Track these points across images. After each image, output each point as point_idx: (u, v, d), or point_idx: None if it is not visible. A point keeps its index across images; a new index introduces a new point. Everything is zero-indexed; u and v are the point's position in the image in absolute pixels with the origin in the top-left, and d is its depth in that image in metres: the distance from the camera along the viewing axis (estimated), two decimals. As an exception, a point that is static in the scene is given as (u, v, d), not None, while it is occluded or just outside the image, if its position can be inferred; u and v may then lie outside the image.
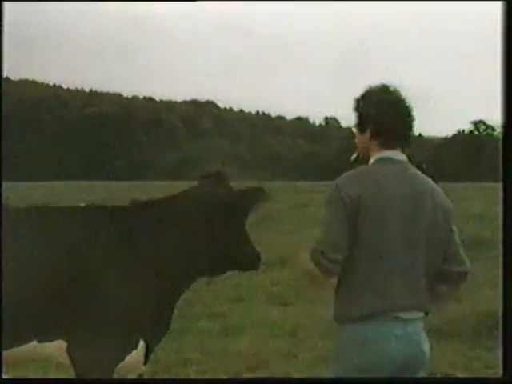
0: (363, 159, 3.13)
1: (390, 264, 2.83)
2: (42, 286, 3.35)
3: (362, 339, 2.82)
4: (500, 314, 3.23)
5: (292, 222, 15.57)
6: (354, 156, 3.22)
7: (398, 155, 3.04)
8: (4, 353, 3.38)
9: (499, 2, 3.38)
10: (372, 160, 3.03)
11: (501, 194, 3.16)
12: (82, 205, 3.81)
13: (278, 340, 6.38)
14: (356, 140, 3.15)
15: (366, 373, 2.80)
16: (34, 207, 3.85)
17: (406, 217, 2.88)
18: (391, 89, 3.07)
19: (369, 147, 3.05)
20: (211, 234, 3.57)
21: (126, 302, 3.41)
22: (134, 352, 3.44)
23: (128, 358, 3.43)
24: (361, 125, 3.07)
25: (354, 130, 3.15)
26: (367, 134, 3.03)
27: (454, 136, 72.26)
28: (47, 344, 3.40)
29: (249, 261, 3.73)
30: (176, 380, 3.68)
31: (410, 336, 2.84)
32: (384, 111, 3.01)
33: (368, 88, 3.10)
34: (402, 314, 2.83)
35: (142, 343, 3.47)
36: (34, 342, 3.39)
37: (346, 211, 2.82)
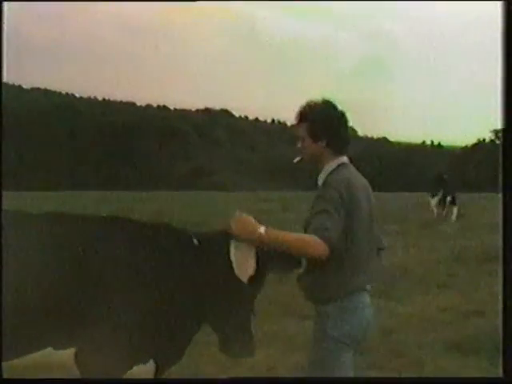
0: (308, 162, 3.68)
1: (364, 249, 3.53)
2: (58, 292, 3.35)
3: (352, 308, 3.53)
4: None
5: (308, 233, 15.40)
6: (297, 159, 3.77)
7: (347, 159, 3.66)
8: (20, 359, 3.40)
9: (499, 2, 3.44)
10: (333, 166, 3.58)
11: (500, 201, 3.44)
12: (104, 215, 3.81)
13: (295, 354, 6.22)
14: (301, 145, 3.62)
15: (353, 337, 3.56)
16: (52, 213, 3.82)
17: (368, 211, 3.57)
18: (334, 103, 3.63)
19: (322, 154, 3.58)
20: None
21: (138, 318, 3.36)
22: (141, 366, 3.42)
23: (135, 369, 3.41)
24: (316, 134, 3.55)
25: (303, 137, 3.59)
26: (323, 143, 3.55)
27: (474, 145, 71.77)
28: (62, 351, 3.39)
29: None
30: (176, 380, 3.64)
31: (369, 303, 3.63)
32: (338, 123, 3.59)
33: (312, 101, 3.62)
34: (367, 287, 3.62)
35: (151, 362, 3.44)
36: (50, 349, 3.38)
37: (341, 205, 3.38)
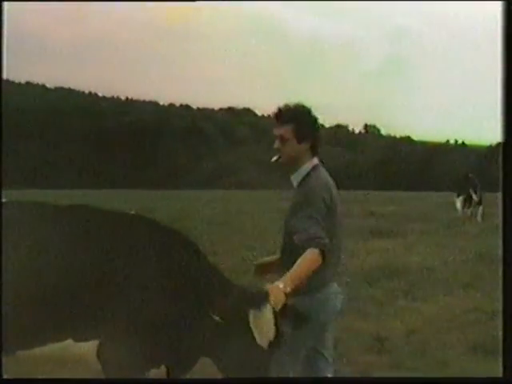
0: (286, 162, 3.77)
1: (338, 244, 3.78)
2: (81, 284, 3.40)
3: (326, 298, 3.76)
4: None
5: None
6: (275, 158, 3.82)
7: (318, 160, 3.84)
8: (40, 348, 3.45)
9: (499, 2, 3.46)
10: (309, 167, 3.74)
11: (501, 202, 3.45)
12: (132, 212, 3.84)
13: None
14: (281, 146, 3.72)
15: (328, 324, 3.85)
16: (79, 206, 3.87)
17: (340, 210, 3.82)
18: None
19: (302, 154, 3.72)
20: None
21: (153, 320, 3.40)
22: (155, 371, 3.46)
23: (152, 372, 3.45)
24: (303, 136, 3.69)
25: (287, 138, 3.69)
26: (306, 144, 3.72)
27: (500, 144, 70.37)
28: (82, 344, 3.41)
29: None
30: (176, 380, 3.58)
31: None
32: (319, 126, 3.81)
33: (292, 103, 3.78)
34: (335, 278, 3.88)
35: (163, 367, 3.48)
36: (70, 341, 3.41)
37: (325, 209, 3.61)
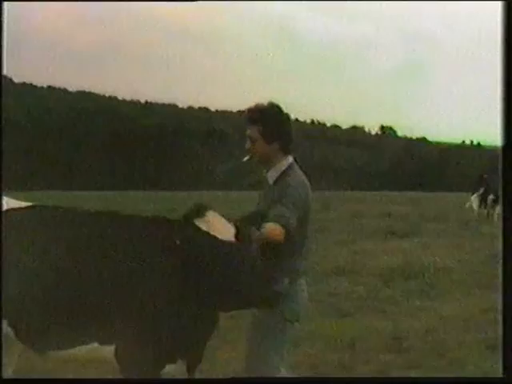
0: (258, 162, 3.86)
1: (307, 239, 3.90)
2: (104, 288, 3.46)
3: (299, 290, 3.87)
4: None
5: (347, 232, 15.40)
6: (246, 158, 3.92)
7: (292, 158, 3.93)
8: (68, 351, 3.54)
9: (499, 2, 3.44)
10: (285, 165, 3.83)
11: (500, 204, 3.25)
12: (149, 215, 3.88)
13: (335, 352, 6.25)
14: (252, 147, 3.80)
15: (299, 315, 3.89)
16: (103, 212, 3.95)
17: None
18: (280, 106, 3.86)
19: (273, 154, 3.79)
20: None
21: (170, 320, 3.44)
22: (172, 366, 3.50)
23: (167, 368, 3.49)
24: (270, 136, 3.75)
25: (256, 139, 3.77)
26: (276, 145, 3.78)
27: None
28: (106, 347, 3.47)
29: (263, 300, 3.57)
30: (176, 380, 3.61)
31: None
32: (289, 125, 3.87)
33: (262, 104, 3.83)
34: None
35: (180, 361, 3.53)
36: (96, 344, 3.48)
37: (301, 206, 3.70)
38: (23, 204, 3.96)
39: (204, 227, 3.42)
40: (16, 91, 70.66)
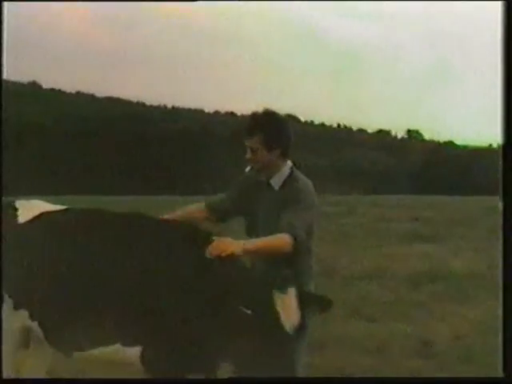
0: (260, 170, 3.82)
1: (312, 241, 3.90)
2: (128, 290, 3.50)
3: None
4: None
5: (375, 237, 15.32)
6: (248, 169, 3.94)
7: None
8: (91, 352, 3.58)
9: (499, 2, 3.45)
10: (287, 169, 3.84)
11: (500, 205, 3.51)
12: (176, 219, 3.91)
13: (362, 357, 6.24)
14: (253, 156, 3.77)
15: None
16: (133, 214, 3.97)
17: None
18: (277, 112, 3.87)
19: (274, 161, 3.78)
20: None
21: (194, 327, 3.44)
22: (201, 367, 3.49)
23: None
24: (271, 145, 3.73)
25: (257, 148, 3.74)
26: (277, 151, 3.77)
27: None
28: (129, 348, 3.50)
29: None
30: (176, 380, 3.58)
31: None
32: (288, 131, 3.84)
33: (259, 113, 3.83)
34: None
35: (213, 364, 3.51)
36: (118, 345, 3.51)
37: (314, 208, 3.80)
38: (54, 207, 4.03)
39: (278, 305, 3.28)
40: (44, 97, 71.51)
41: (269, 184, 3.85)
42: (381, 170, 72.13)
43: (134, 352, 3.50)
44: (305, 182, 3.85)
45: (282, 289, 3.28)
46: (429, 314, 7.97)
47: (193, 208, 4.00)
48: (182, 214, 3.96)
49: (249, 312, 3.25)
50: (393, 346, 6.56)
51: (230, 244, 3.39)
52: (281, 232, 3.55)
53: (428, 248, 13.41)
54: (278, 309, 3.25)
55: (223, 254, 3.34)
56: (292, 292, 3.30)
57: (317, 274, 4.20)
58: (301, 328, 3.34)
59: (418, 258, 11.85)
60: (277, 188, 3.84)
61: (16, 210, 4.00)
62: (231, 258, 3.36)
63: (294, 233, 3.54)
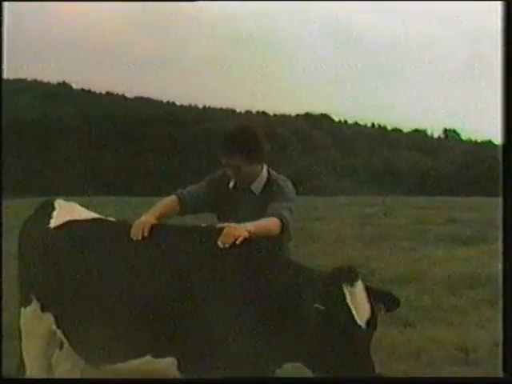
0: (242, 182, 4.00)
1: None
2: (157, 301, 3.46)
3: None
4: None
5: (410, 239, 15.09)
6: (231, 185, 4.07)
7: None
8: (121, 364, 3.55)
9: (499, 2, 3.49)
10: (265, 173, 4.07)
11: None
12: (204, 225, 3.85)
13: (400, 363, 6.11)
14: (235, 172, 3.95)
15: None
16: (164, 225, 3.93)
17: None
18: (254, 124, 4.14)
19: (255, 171, 4.00)
20: None
21: (230, 335, 3.37)
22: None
23: None
24: (253, 160, 3.93)
25: (239, 165, 3.92)
26: (258, 164, 4.00)
27: None
28: (160, 360, 3.47)
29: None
30: (176, 380, 3.58)
31: None
32: (266, 141, 4.06)
33: (237, 131, 4.00)
34: None
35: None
36: (149, 357, 3.48)
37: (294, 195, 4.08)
38: (87, 213, 4.02)
39: (349, 298, 3.25)
40: (74, 98, 72.40)
41: (250, 190, 4.04)
42: (417, 170, 71.57)
43: (166, 363, 3.46)
44: (283, 179, 4.09)
45: (351, 282, 3.25)
46: (468, 319, 7.78)
47: (166, 204, 4.05)
48: (158, 214, 3.95)
49: (323, 308, 3.23)
50: (430, 351, 6.43)
51: (239, 230, 3.49)
52: (268, 214, 3.81)
53: (467, 251, 13.15)
54: (349, 303, 3.22)
55: (238, 241, 3.41)
56: (360, 285, 3.27)
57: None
58: (372, 322, 3.31)
59: (457, 261, 11.60)
60: (257, 193, 4.06)
61: (54, 209, 4.08)
62: (244, 242, 3.46)
63: (281, 215, 3.79)
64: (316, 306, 3.23)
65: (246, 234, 3.48)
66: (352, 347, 3.20)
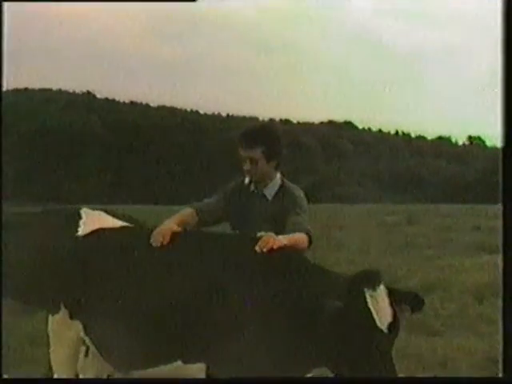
0: (257, 181, 4.04)
1: None
2: (188, 306, 3.47)
3: None
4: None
5: (435, 247, 14.97)
6: (247, 180, 4.11)
7: None
8: (151, 370, 3.56)
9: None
10: (279, 179, 4.10)
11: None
12: (235, 232, 3.88)
13: (426, 371, 6.04)
14: (252, 167, 3.96)
15: None
16: (191, 232, 3.98)
17: None
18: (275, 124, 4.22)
19: (270, 171, 4.03)
20: None
21: (259, 341, 3.36)
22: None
23: None
24: (271, 155, 3.96)
25: (257, 159, 3.94)
26: (274, 164, 4.02)
27: None
28: (190, 366, 3.47)
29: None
30: (176, 380, 3.58)
31: None
32: (283, 143, 4.12)
33: (260, 124, 4.40)
34: None
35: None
36: (179, 362, 3.48)
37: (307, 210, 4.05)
38: (113, 221, 4.04)
39: (370, 302, 3.24)
40: (98, 107, 72.97)
41: (263, 195, 4.05)
42: (441, 178, 71.02)
43: (196, 369, 3.46)
44: (296, 188, 4.12)
45: (373, 287, 3.25)
46: (495, 328, 7.67)
47: (184, 214, 4.06)
48: (178, 222, 3.98)
49: (341, 304, 3.24)
50: (457, 361, 6.35)
51: (276, 239, 3.56)
52: (294, 229, 3.80)
53: (492, 259, 12.99)
54: (370, 307, 3.22)
55: (275, 247, 3.49)
56: (382, 290, 3.27)
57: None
58: (394, 326, 3.28)
59: (483, 269, 11.47)
60: (270, 198, 4.05)
61: (80, 217, 4.13)
62: (280, 250, 3.51)
63: (307, 231, 3.84)
64: (335, 303, 3.25)
65: (282, 243, 3.55)
66: (373, 351, 3.19)
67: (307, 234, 3.82)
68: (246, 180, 4.13)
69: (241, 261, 3.53)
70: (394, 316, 3.27)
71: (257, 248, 3.47)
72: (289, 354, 3.36)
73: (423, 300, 3.50)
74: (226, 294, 3.42)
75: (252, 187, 4.08)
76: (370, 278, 3.29)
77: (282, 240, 3.58)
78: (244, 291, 3.41)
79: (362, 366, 3.20)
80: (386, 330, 3.22)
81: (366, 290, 3.23)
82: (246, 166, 4.00)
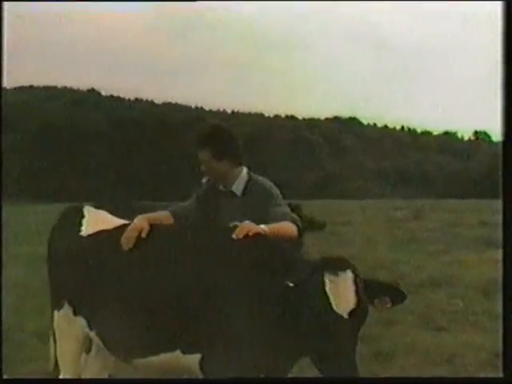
0: (216, 180, 4.07)
1: None
2: (190, 297, 3.48)
3: None
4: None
5: (441, 242, 14.94)
6: (204, 180, 4.19)
7: None
8: (153, 358, 3.59)
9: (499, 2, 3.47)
10: (245, 174, 4.10)
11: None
12: (232, 224, 3.85)
13: (432, 367, 6.02)
14: (207, 168, 4.02)
15: None
16: (182, 225, 4.01)
17: None
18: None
19: (226, 169, 4.03)
20: None
21: (248, 332, 3.37)
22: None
23: None
24: (220, 156, 3.99)
25: (208, 160, 3.99)
26: (225, 162, 4.02)
27: None
28: (189, 356, 3.48)
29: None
30: (176, 380, 3.68)
31: None
32: (235, 140, 4.15)
33: (209, 126, 4.25)
34: None
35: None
36: (178, 352, 3.50)
37: None
38: (116, 221, 4.05)
39: (328, 287, 3.20)
40: (104, 104, 73.16)
41: (231, 192, 4.08)
42: (447, 173, 70.90)
43: (193, 360, 3.48)
44: (265, 180, 4.13)
45: (334, 272, 3.22)
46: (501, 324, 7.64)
47: (160, 216, 4.09)
48: (155, 217, 4.03)
49: (291, 285, 3.28)
50: (463, 356, 6.31)
51: (253, 226, 3.59)
52: (283, 218, 3.81)
53: (499, 254, 12.95)
54: (328, 291, 3.18)
55: (250, 233, 3.53)
56: (346, 276, 3.22)
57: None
58: (357, 313, 3.21)
59: (489, 264, 11.42)
60: (239, 194, 4.06)
61: (83, 216, 4.15)
62: (257, 236, 3.54)
63: (293, 219, 3.84)
64: (287, 283, 3.27)
65: (259, 230, 3.59)
66: (331, 336, 3.15)
67: (293, 222, 3.82)
68: (203, 180, 4.23)
69: (228, 252, 3.56)
70: (358, 303, 3.20)
71: (233, 235, 3.54)
72: (276, 344, 3.38)
73: (404, 293, 3.48)
74: (215, 286, 3.45)
75: (221, 186, 4.12)
76: (333, 264, 3.26)
77: (261, 228, 3.61)
78: (230, 282, 3.44)
79: (320, 351, 3.18)
80: (346, 316, 3.17)
81: (326, 273, 3.20)
82: (202, 167, 4.08)
